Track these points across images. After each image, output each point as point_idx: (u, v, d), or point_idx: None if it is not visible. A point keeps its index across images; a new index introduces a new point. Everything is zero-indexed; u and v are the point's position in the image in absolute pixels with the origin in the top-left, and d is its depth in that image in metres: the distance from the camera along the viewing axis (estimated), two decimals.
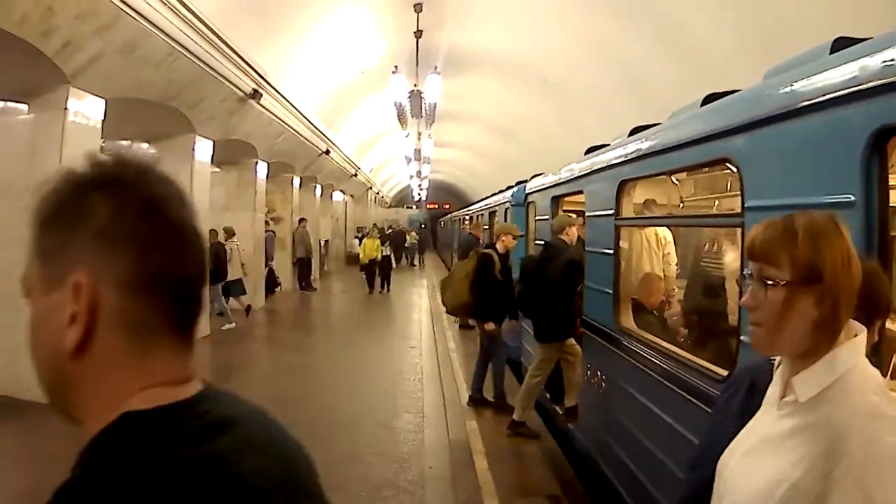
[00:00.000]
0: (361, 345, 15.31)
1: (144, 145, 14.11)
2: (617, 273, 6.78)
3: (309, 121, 19.35)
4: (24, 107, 9.60)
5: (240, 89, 13.40)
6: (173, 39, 9.90)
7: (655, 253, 8.36)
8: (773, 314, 1.79)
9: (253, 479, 1.08)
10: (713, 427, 2.44)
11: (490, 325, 9.74)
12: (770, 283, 1.79)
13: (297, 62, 15.96)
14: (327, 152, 23.81)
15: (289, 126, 17.91)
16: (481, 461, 7.94)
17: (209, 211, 15.11)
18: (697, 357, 5.03)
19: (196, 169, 14.06)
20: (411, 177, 46.13)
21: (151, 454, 1.00)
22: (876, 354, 2.48)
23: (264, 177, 19.69)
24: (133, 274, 1.07)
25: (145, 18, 8.93)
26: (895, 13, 6.15)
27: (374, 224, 38.51)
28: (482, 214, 21.23)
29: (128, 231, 1.07)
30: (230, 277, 16.72)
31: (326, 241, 30.62)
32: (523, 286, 8.93)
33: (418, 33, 16.53)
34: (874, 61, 3.01)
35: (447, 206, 64.61)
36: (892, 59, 2.91)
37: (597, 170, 7.42)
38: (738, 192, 4.24)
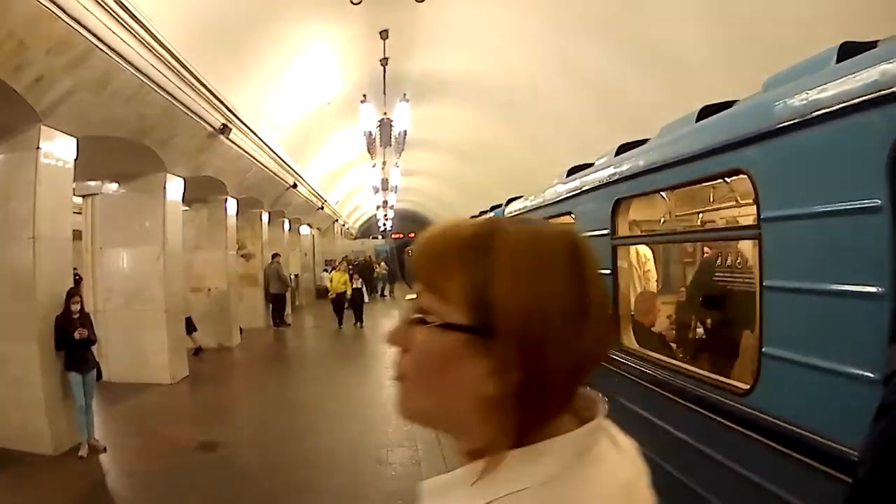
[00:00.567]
0: (345, 379, 15.03)
1: (114, 185, 13.79)
2: (616, 293, 6.57)
3: (277, 154, 19.11)
4: None
5: (209, 125, 13.16)
6: (144, 74, 9.68)
7: (636, 270, 8.26)
8: (418, 367, 1.18)
9: None
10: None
11: None
12: (421, 317, 1.16)
13: (266, 97, 15.74)
14: (295, 186, 23.53)
15: (257, 161, 17.67)
16: None
17: (182, 250, 14.84)
18: (713, 372, 4.88)
19: (168, 208, 13.78)
20: (378, 207, 45.86)
21: None
22: None
23: (234, 213, 19.44)
24: None
25: (116, 52, 8.69)
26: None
27: (346, 256, 38.26)
28: None
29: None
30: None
31: (296, 276, 30.24)
32: None
33: (384, 61, 16.35)
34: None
35: (412, 235, 64.39)
36: None
37: (588, 189, 7.24)
38: (752, 203, 4.09)
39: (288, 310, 25.86)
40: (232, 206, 19.12)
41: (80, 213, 14.07)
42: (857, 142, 3.17)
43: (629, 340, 6.42)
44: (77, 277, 14.80)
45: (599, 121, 16.28)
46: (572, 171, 8.71)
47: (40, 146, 8.97)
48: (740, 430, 4.05)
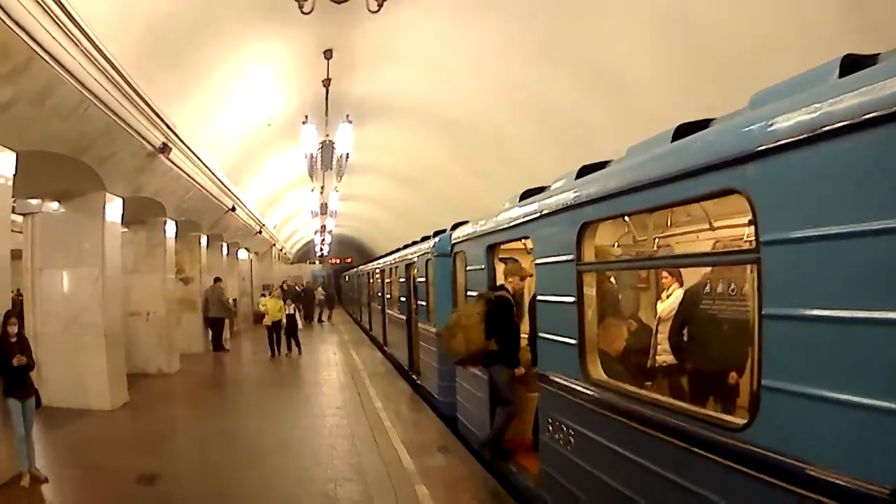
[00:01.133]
0: (287, 408, 14.67)
1: (55, 204, 13.34)
2: (582, 321, 6.28)
3: (216, 177, 18.79)
4: None
5: (150, 143, 12.84)
6: (86, 87, 9.38)
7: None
8: None
9: None
10: None
11: (521, 370, 9.21)
12: None
13: (207, 115, 15.45)
14: (233, 209, 23.23)
15: (196, 182, 17.33)
16: None
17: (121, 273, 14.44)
18: (698, 405, 4.86)
19: (107, 228, 13.39)
20: (316, 232, 45.52)
21: None
22: None
23: (173, 236, 18.98)
24: None
25: (59, 62, 8.39)
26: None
27: (284, 282, 37.74)
28: (396, 267, 20.72)
29: None
30: None
31: (234, 300, 29.72)
32: None
33: (327, 81, 16.21)
34: None
35: (349, 260, 65.03)
36: None
37: (549, 213, 7.03)
38: (746, 224, 4.00)
39: (226, 335, 25.48)
40: (171, 228, 18.65)
41: (21, 233, 13.65)
42: (874, 159, 3.05)
43: (596, 371, 6.21)
44: (19, 297, 14.33)
45: (544, 144, 16.33)
46: (527, 195, 8.55)
47: None
48: (735, 466, 3.92)
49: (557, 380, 6.81)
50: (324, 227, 41.97)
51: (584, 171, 6.68)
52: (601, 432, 5.81)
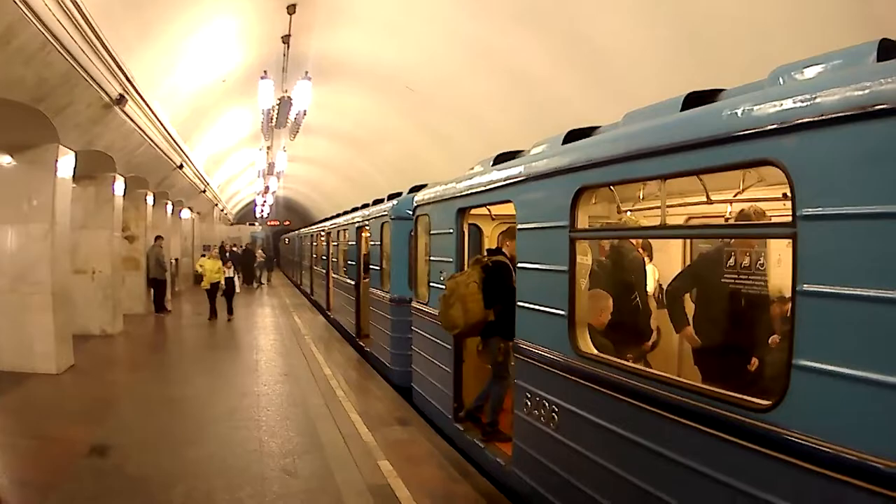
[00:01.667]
0: (232, 374, 14.24)
1: (7, 157, 12.60)
2: (573, 292, 5.99)
3: (168, 132, 18.12)
4: None
5: (107, 94, 12.23)
6: (49, 30, 8.77)
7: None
8: None
9: None
10: None
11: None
12: None
13: (164, 66, 14.80)
14: (181, 166, 22.51)
15: (148, 137, 16.66)
16: None
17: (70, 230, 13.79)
18: (713, 384, 4.57)
19: (59, 183, 12.73)
20: (259, 193, 44.75)
21: None
22: None
23: (122, 192, 18.29)
24: None
25: (25, 2, 7.77)
26: None
27: (223, 242, 36.92)
28: (345, 230, 20.25)
29: None
30: None
31: (176, 260, 29.01)
32: None
33: (287, 38, 15.63)
34: None
35: (288, 223, 64.75)
36: None
37: (538, 176, 6.68)
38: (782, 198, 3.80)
39: (168, 295, 24.95)
40: (120, 184, 18.01)
41: None
42: None
43: (587, 345, 5.91)
44: None
45: (511, 113, 15.97)
46: (502, 158, 8.30)
47: None
48: (759, 448, 3.77)
49: (541, 353, 6.49)
50: (267, 188, 41.27)
51: (574, 135, 6.50)
52: (594, 410, 5.53)
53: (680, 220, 7.86)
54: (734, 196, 6.51)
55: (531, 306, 6.79)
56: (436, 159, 21.53)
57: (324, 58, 17.21)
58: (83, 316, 16.57)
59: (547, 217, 6.40)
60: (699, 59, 9.97)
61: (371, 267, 15.67)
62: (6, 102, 9.85)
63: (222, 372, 14.41)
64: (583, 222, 6.00)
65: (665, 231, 5.90)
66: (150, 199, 23.14)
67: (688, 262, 8.61)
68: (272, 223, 66.55)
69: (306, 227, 41.93)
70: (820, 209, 3.46)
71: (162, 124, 17.14)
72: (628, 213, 8.08)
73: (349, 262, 19.08)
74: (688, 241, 8.66)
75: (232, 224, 62.11)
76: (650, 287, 8.46)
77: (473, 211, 9.28)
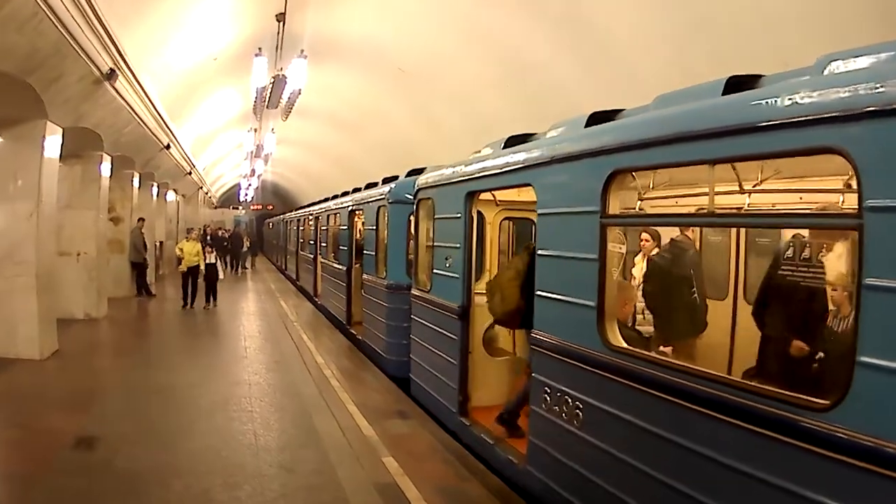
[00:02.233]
0: (222, 361, 13.79)
1: None
2: (603, 282, 5.61)
3: (157, 110, 17.64)
4: None
5: (98, 68, 11.76)
6: None
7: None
8: None
9: None
10: None
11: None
12: None
13: (156, 43, 14.33)
14: (168, 147, 22.00)
15: (137, 115, 16.19)
16: None
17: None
18: (765, 382, 4.41)
19: (45, 160, 12.21)
20: (245, 176, 44.24)
21: None
22: None
23: (108, 172, 17.80)
24: None
25: None
26: None
27: (207, 226, 36.33)
28: (335, 214, 19.85)
29: None
30: None
31: (161, 243, 28.47)
32: None
33: (281, 16, 15.18)
34: None
35: (271, 208, 64.31)
36: None
37: (563, 158, 6.28)
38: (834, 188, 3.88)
39: (152, 278, 24.50)
40: (107, 164, 17.51)
41: None
42: None
43: (616, 338, 5.56)
44: None
45: (507, 98, 15.60)
46: (513, 141, 7.97)
47: None
48: (817, 450, 3.55)
49: (564, 346, 6.11)
50: (253, 170, 40.77)
51: (597, 118, 6.24)
52: (626, 408, 5.19)
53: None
54: (754, 187, 6.19)
55: (553, 296, 6.41)
56: (426, 143, 21.16)
57: (317, 37, 16.75)
58: (67, 299, 16.06)
59: (574, 202, 6.04)
60: (708, 47, 9.67)
61: (365, 252, 15.29)
62: None
63: (211, 359, 13.98)
64: (614, 208, 5.64)
65: (712, 220, 5.52)
66: (136, 179, 22.67)
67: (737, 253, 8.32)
68: (255, 207, 65.89)
69: (292, 211, 41.35)
70: (888, 200, 3.30)
71: (151, 102, 16.68)
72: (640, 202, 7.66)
73: (340, 247, 18.65)
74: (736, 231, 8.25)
75: (215, 207, 61.75)
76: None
77: (522, 197, 9.05)
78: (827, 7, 7.78)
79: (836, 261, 5.53)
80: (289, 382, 11.75)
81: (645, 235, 8.02)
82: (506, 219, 10.91)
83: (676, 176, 6.34)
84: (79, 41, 10.26)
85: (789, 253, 6.09)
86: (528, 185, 7.11)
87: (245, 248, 40.03)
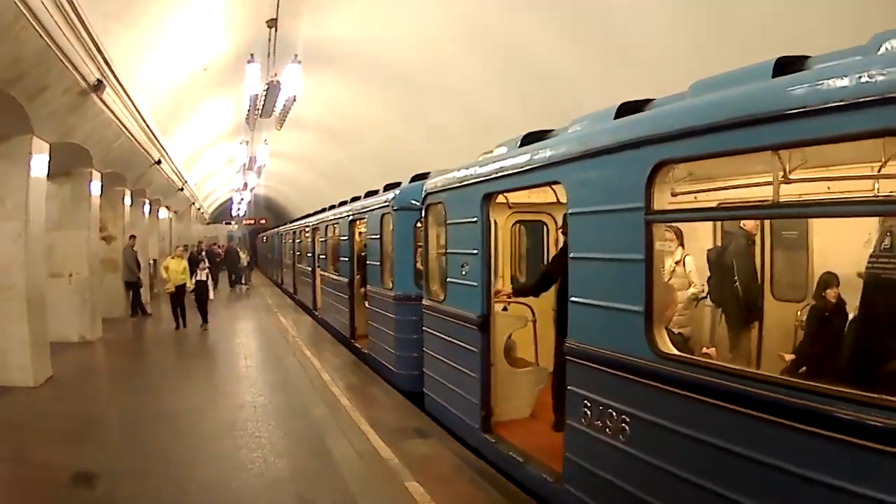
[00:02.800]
0: (224, 383, 13.27)
1: None
2: (650, 284, 5.17)
3: (147, 124, 17.21)
4: None
5: (84, 78, 11.29)
6: (23, 1, 7.79)
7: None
8: None
9: None
10: None
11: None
12: None
13: (143, 53, 13.89)
14: (159, 162, 21.55)
15: (126, 129, 15.74)
16: None
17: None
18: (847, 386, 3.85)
19: (33, 178, 11.72)
20: (238, 190, 43.78)
21: None
22: None
23: (99, 190, 17.33)
24: None
25: None
26: None
27: (200, 242, 35.77)
28: (335, 224, 19.28)
29: None
30: None
31: (154, 261, 27.95)
32: None
33: (272, 22, 14.70)
34: None
35: (263, 222, 64.31)
36: None
37: (599, 151, 5.77)
38: None
39: (146, 298, 24.03)
40: (97, 181, 17.02)
41: None
42: None
43: (666, 345, 5.11)
44: None
45: (506, 97, 15.28)
46: (531, 138, 7.52)
47: None
48: None
49: (606, 355, 5.62)
50: (245, 184, 40.34)
51: (627, 109, 5.85)
52: (683, 420, 4.74)
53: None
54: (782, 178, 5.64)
55: (591, 302, 5.91)
56: (423, 151, 20.68)
57: (310, 43, 16.22)
58: (61, 322, 15.45)
59: (612, 198, 5.54)
60: (730, 43, 9.24)
61: (369, 263, 14.76)
62: None
63: (213, 380, 13.46)
64: (660, 202, 5.16)
65: (779, 210, 5.01)
66: (127, 196, 22.17)
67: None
68: (248, 222, 65.79)
69: (287, 223, 40.91)
70: None
71: (140, 115, 16.22)
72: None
73: (341, 259, 18.10)
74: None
75: (208, 223, 61.47)
76: (683, 281, 8.13)
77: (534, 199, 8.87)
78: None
79: None
80: (296, 403, 11.24)
81: (669, 234, 7.57)
82: (517, 222, 10.41)
83: (715, 168, 5.91)
84: (64, 50, 9.82)
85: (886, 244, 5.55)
86: (556, 182, 6.70)
87: (244, 264, 39.27)
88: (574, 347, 6.13)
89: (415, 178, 12.70)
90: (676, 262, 8.25)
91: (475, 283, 8.27)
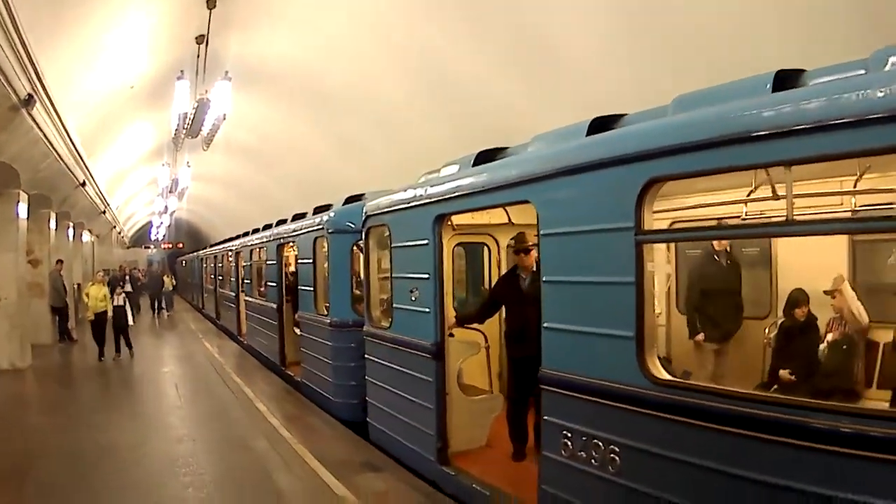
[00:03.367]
0: (159, 413, 12.82)
1: None
2: (641, 308, 4.96)
3: (74, 144, 16.71)
4: None
5: (16, 92, 10.92)
6: None
7: None
8: None
9: None
10: None
11: None
12: None
13: (75, 69, 13.56)
14: (84, 184, 20.96)
15: (54, 149, 15.28)
16: None
17: None
18: None
19: None
20: (159, 213, 42.92)
21: None
22: None
23: (26, 211, 16.86)
24: None
25: None
26: None
27: (121, 266, 34.88)
28: (261, 248, 18.84)
29: None
30: None
31: (79, 286, 27.19)
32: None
33: (201, 38, 14.57)
34: None
35: (181, 246, 63.57)
36: None
37: (577, 168, 5.57)
38: None
39: (72, 323, 23.23)
40: (24, 203, 16.57)
41: None
42: None
43: (658, 370, 4.99)
44: None
45: (435, 121, 15.31)
46: (484, 157, 7.50)
47: None
48: None
49: (591, 383, 5.41)
50: (166, 207, 39.58)
51: (599, 125, 5.78)
52: (683, 448, 4.61)
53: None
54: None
55: (571, 328, 5.71)
56: (349, 173, 20.48)
57: (238, 63, 16.03)
58: None
59: (594, 218, 5.36)
60: (672, 67, 9.49)
61: (301, 288, 14.36)
62: None
63: (147, 411, 12.98)
64: (650, 222, 5.03)
65: (791, 228, 4.90)
66: (53, 219, 21.54)
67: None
68: (166, 246, 64.84)
69: (207, 247, 40.17)
70: None
71: (69, 134, 15.75)
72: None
73: (268, 284, 17.59)
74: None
75: (128, 247, 60.08)
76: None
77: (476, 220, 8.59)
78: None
79: None
80: (234, 435, 10.82)
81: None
82: (458, 244, 10.32)
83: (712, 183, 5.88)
84: None
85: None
86: (524, 202, 6.40)
87: (170, 288, 37.93)
88: (551, 375, 5.91)
89: (349, 200, 12.42)
90: None
91: (427, 310, 7.99)
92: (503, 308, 8.57)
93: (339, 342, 11.74)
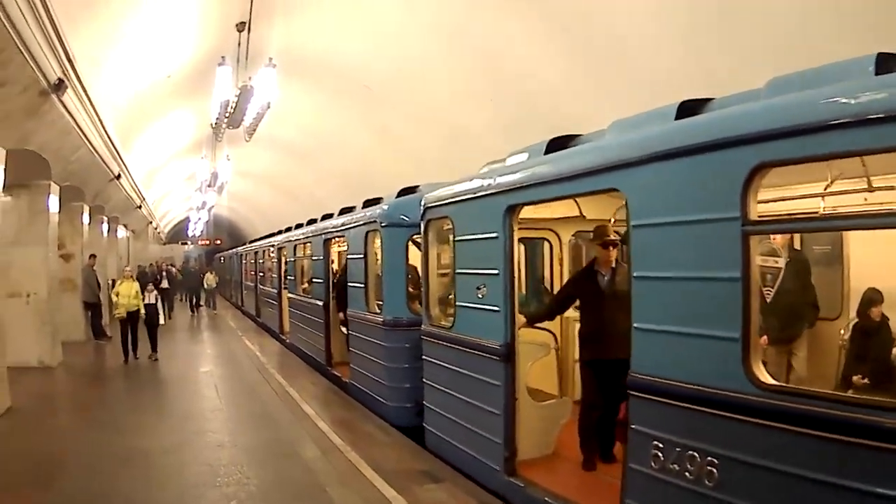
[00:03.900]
0: (197, 415, 12.06)
1: None
2: (748, 306, 4.45)
3: (108, 135, 16.25)
4: None
5: (45, 76, 10.30)
6: None
7: None
8: None
9: None
10: None
11: None
12: None
13: (107, 52, 12.98)
14: (119, 177, 20.60)
15: (87, 139, 14.81)
16: None
17: None
18: None
19: None
20: (198, 209, 42.65)
21: None
22: None
23: (57, 204, 16.35)
24: None
25: None
26: None
27: (156, 262, 34.54)
28: (306, 243, 18.34)
29: None
30: None
31: (113, 282, 26.83)
32: None
33: (241, 25, 13.91)
34: None
35: (219, 243, 63.30)
36: None
37: (672, 153, 5.07)
38: None
39: (107, 320, 22.56)
40: (55, 195, 16.05)
41: None
42: None
43: (764, 376, 4.43)
44: None
45: (485, 107, 14.68)
46: (557, 144, 7.00)
47: None
48: None
49: (687, 389, 4.88)
50: (204, 203, 39.26)
51: (686, 109, 5.38)
52: (795, 461, 4.12)
53: None
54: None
55: (666, 329, 5.15)
56: (390, 166, 20.11)
57: (280, 52, 15.31)
58: (19, 346, 14.33)
59: (694, 207, 4.84)
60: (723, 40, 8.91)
61: (350, 285, 13.53)
62: None
63: (184, 412, 12.24)
64: (754, 212, 4.44)
65: None
66: (86, 212, 21.14)
67: None
68: (203, 242, 64.91)
69: (246, 243, 39.85)
70: None
71: (102, 125, 15.24)
72: None
73: (314, 280, 17.02)
74: None
75: (164, 243, 60.43)
76: None
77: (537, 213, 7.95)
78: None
79: None
80: (281, 441, 10.07)
81: None
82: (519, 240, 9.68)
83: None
84: (26, 42, 8.87)
85: None
86: (613, 190, 5.84)
87: (213, 286, 37.04)
88: (642, 381, 5.37)
89: (402, 192, 11.82)
90: None
91: (497, 308, 7.40)
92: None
93: (392, 342, 11.12)
